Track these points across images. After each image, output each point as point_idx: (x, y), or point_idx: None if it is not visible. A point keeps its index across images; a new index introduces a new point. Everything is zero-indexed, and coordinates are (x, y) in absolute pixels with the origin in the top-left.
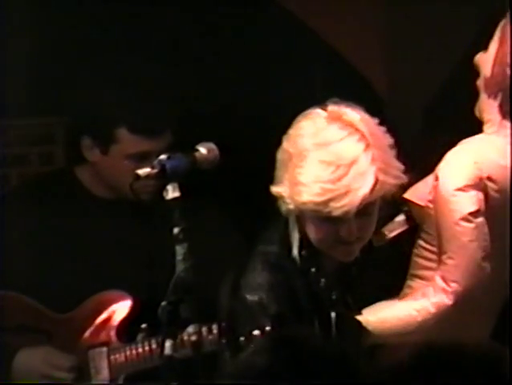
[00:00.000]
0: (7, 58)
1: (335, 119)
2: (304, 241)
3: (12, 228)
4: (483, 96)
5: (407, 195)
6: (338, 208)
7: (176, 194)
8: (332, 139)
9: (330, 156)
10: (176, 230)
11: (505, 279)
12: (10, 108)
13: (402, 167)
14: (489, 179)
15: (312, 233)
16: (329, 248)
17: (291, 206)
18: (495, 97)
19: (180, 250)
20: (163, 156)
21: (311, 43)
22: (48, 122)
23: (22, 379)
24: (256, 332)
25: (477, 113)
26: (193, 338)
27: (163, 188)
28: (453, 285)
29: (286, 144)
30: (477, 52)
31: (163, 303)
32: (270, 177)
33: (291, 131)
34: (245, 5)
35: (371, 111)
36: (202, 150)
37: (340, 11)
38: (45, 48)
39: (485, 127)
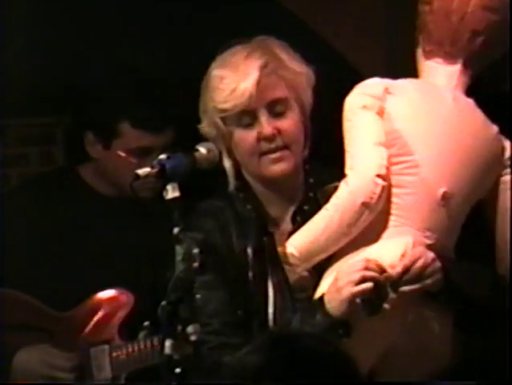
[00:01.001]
0: (7, 58)
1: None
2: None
3: (13, 225)
4: (416, 54)
5: None
6: (240, 95)
7: (176, 194)
8: (229, 51)
9: (230, 58)
10: (176, 230)
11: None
12: (10, 108)
13: (304, 65)
14: (391, 93)
15: (239, 150)
16: (258, 162)
17: (212, 132)
18: (418, 44)
19: (179, 250)
20: (162, 156)
21: (311, 43)
22: (48, 122)
23: (21, 379)
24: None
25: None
26: (193, 338)
27: (163, 187)
28: (350, 172)
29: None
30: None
31: (163, 303)
32: None
33: None
34: (246, 4)
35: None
36: (202, 150)
37: (340, 11)
38: (45, 47)
39: (420, 78)
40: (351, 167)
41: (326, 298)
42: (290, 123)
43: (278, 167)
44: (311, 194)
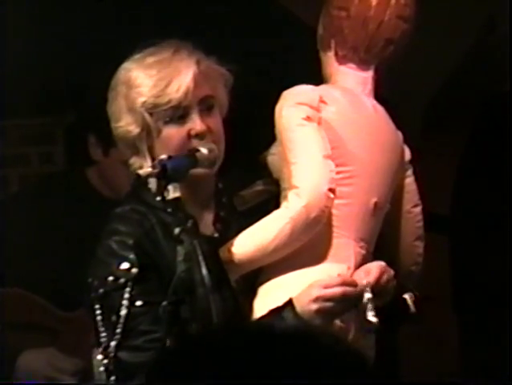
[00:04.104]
0: (7, 58)
1: None
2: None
3: (21, 226)
4: (321, 56)
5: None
6: (175, 91)
7: (177, 194)
8: (146, 52)
9: (151, 58)
10: (177, 230)
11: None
12: (10, 108)
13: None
14: (326, 102)
15: (166, 148)
16: None
17: (134, 131)
18: (329, 47)
19: (180, 250)
20: (164, 156)
21: (312, 42)
22: (48, 122)
23: (24, 379)
24: (123, 265)
25: (325, 79)
26: None
27: (164, 188)
28: (300, 184)
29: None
30: (477, 51)
31: (163, 303)
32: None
33: None
34: (246, 4)
35: None
36: (203, 150)
37: None
38: (45, 47)
39: (331, 82)
40: (301, 180)
41: (297, 303)
42: (216, 121)
43: (207, 163)
44: (224, 200)
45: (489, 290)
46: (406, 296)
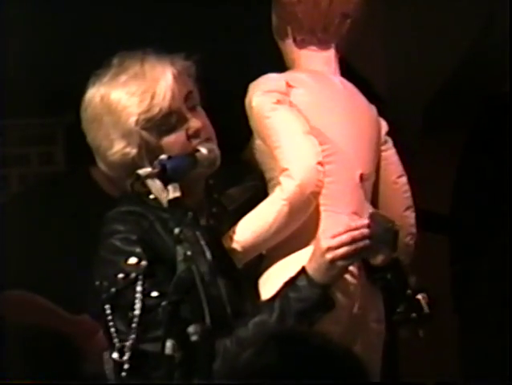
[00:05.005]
0: (7, 58)
1: None
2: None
3: (25, 226)
4: (281, 46)
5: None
6: (162, 99)
7: (177, 194)
8: (110, 73)
9: (122, 77)
10: (176, 230)
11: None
12: (10, 108)
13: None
14: (293, 86)
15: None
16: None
17: (132, 152)
18: (287, 34)
19: (180, 250)
20: (163, 156)
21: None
22: (48, 122)
23: None
24: (131, 260)
25: (289, 67)
26: (194, 338)
27: (164, 188)
28: (289, 165)
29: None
30: (477, 51)
31: (163, 303)
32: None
33: None
34: (246, 5)
35: None
36: (203, 150)
37: None
38: (44, 47)
39: (295, 68)
40: (288, 161)
41: (310, 268)
42: (203, 114)
43: (212, 154)
44: (216, 196)
45: (489, 290)
46: (419, 296)
